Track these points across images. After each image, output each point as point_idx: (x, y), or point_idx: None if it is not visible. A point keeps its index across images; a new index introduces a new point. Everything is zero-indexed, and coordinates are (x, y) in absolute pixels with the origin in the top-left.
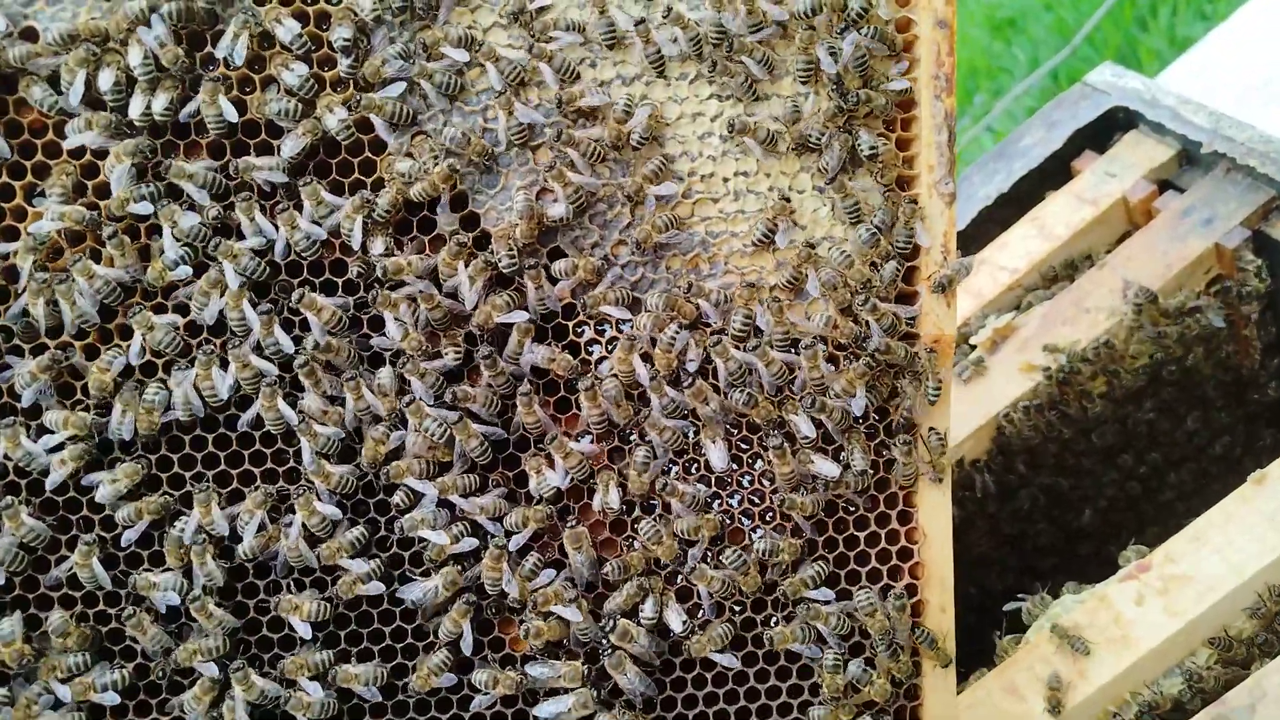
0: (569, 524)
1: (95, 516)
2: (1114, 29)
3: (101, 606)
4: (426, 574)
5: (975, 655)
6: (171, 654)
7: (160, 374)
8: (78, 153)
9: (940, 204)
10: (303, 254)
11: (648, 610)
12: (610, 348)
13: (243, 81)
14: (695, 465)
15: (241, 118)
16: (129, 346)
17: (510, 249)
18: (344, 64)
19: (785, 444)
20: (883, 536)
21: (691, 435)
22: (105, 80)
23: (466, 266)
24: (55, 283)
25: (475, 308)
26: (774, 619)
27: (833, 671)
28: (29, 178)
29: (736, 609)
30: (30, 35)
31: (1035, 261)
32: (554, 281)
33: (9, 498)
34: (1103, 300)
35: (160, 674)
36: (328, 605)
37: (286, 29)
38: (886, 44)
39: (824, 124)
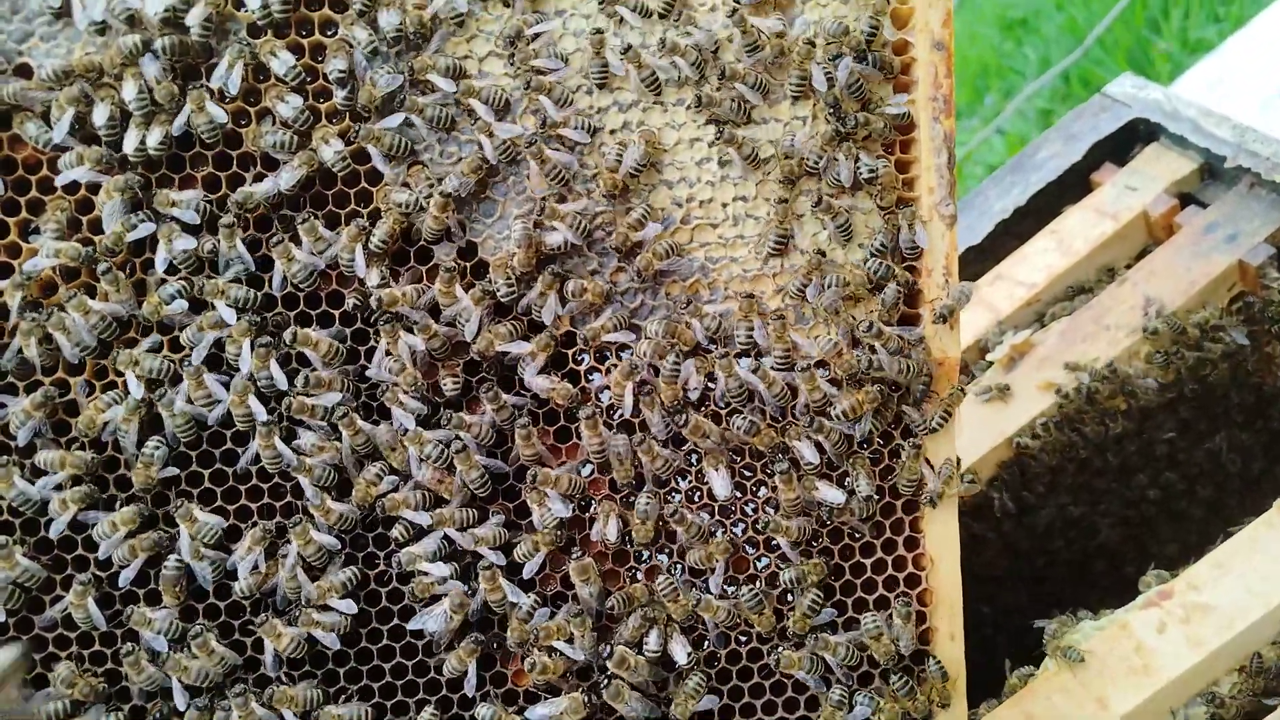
0: (574, 555)
1: (91, 555)
2: (1125, 30)
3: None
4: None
5: (992, 676)
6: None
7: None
8: (72, 188)
9: (941, 226)
10: (300, 286)
11: (652, 643)
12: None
13: (238, 114)
14: (699, 493)
15: (237, 151)
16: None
17: (508, 278)
18: (339, 95)
19: (791, 469)
20: (889, 563)
21: (695, 462)
22: (100, 115)
23: (467, 293)
24: (45, 319)
25: (476, 336)
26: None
27: (837, 707)
28: (23, 214)
29: (743, 639)
30: (25, 72)
31: (1054, 276)
32: (564, 302)
33: (3, 538)
34: (1123, 318)
35: (156, 717)
36: (305, 643)
37: (281, 61)
38: (883, 69)
39: (822, 147)
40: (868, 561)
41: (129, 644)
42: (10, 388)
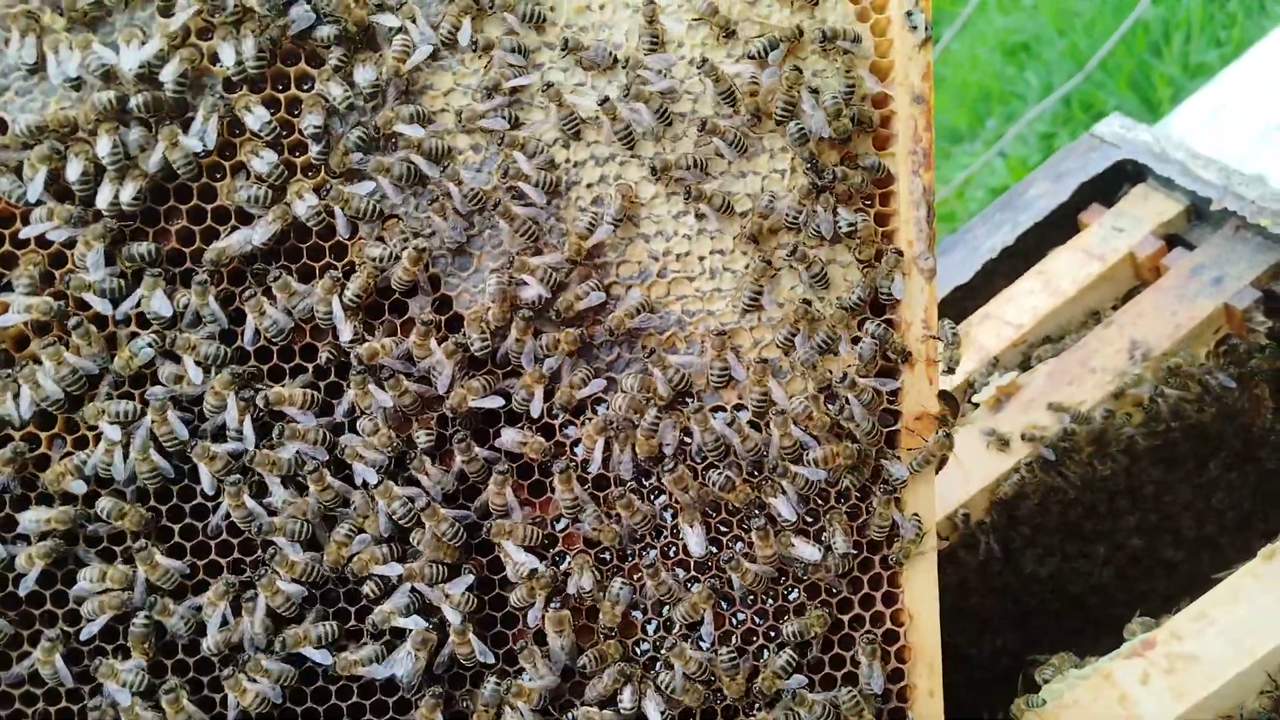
0: (551, 606)
1: (59, 610)
2: (1127, 55)
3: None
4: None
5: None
6: None
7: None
8: (44, 243)
9: (920, 280)
10: (272, 340)
11: (626, 700)
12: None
13: (212, 168)
14: (674, 549)
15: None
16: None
17: (483, 332)
18: (315, 150)
19: (768, 525)
20: (867, 619)
21: (670, 519)
22: (73, 171)
23: (439, 346)
24: (18, 374)
25: (449, 391)
26: (757, 705)
27: None
28: None
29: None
30: None
31: (1041, 317)
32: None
33: None
34: (1109, 360)
35: None
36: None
37: (256, 116)
38: (862, 124)
39: (799, 201)
40: (845, 618)
41: (99, 699)
42: None
